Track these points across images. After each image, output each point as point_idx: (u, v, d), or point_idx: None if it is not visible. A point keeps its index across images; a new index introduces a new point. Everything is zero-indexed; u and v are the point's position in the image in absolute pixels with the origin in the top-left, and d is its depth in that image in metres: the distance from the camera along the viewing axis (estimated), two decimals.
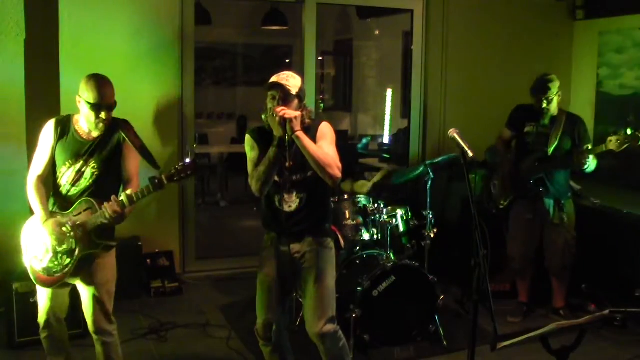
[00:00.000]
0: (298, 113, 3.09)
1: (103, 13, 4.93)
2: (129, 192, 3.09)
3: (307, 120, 3.19)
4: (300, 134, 3.06)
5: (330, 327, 3.20)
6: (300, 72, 5.79)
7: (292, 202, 3.24)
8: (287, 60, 11.05)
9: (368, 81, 10.50)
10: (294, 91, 3.14)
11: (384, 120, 9.34)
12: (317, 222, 3.30)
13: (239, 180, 9.32)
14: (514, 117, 4.72)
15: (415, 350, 4.14)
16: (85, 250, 3.12)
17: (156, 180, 3.03)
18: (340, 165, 3.13)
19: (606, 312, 2.58)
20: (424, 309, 4.17)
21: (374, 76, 10.30)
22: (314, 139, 3.15)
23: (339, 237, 3.73)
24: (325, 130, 3.23)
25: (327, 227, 3.36)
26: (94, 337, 3.26)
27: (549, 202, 4.50)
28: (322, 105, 10.67)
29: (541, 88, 4.43)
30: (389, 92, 9.27)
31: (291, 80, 3.17)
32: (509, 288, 5.00)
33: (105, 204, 3.04)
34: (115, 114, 3.23)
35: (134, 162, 3.24)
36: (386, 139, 9.09)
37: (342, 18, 10.18)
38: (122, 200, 3.05)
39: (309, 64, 5.71)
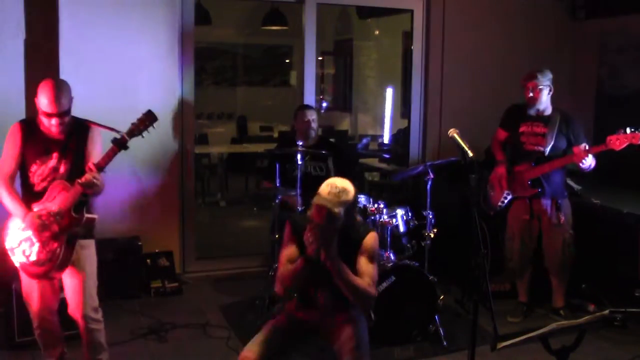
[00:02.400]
0: (334, 244, 2.93)
1: (103, 13, 4.92)
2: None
3: (355, 234, 3.06)
4: (338, 262, 2.92)
5: None
6: (300, 72, 5.80)
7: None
8: (287, 60, 11.05)
9: (368, 81, 10.50)
10: (341, 210, 2.92)
11: (384, 120, 9.34)
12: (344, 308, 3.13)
13: (239, 180, 9.32)
14: (508, 116, 4.71)
15: (415, 350, 4.13)
16: (69, 228, 3.19)
17: (119, 140, 3.15)
18: (373, 290, 3.00)
19: (606, 312, 2.58)
20: (424, 309, 4.17)
21: (374, 76, 10.30)
22: (356, 247, 3.03)
23: (371, 313, 3.56)
24: (372, 243, 3.05)
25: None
26: (82, 325, 3.34)
27: (546, 202, 4.49)
28: (323, 105, 10.69)
29: (528, 76, 4.44)
30: (389, 92, 9.27)
31: (342, 197, 2.94)
32: (509, 288, 5.00)
33: (84, 175, 3.14)
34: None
35: (96, 157, 3.33)
36: (386, 139, 9.09)
37: (342, 18, 10.19)
38: (92, 167, 3.14)
39: (309, 64, 5.71)
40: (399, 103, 8.96)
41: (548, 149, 4.42)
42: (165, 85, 5.20)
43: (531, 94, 4.43)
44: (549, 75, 4.45)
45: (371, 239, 3.06)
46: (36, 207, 3.23)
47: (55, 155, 3.27)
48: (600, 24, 6.12)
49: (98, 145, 3.37)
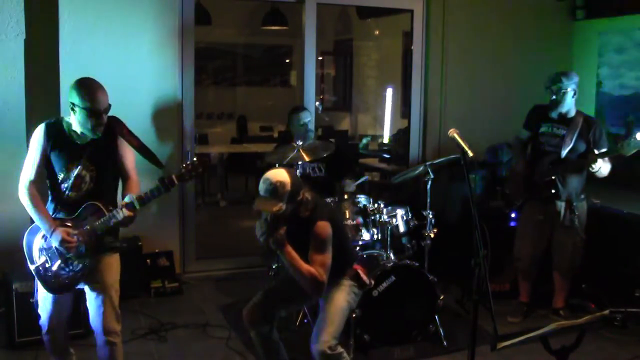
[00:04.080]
0: (283, 229, 3.11)
1: (103, 13, 4.92)
2: (136, 194, 3.08)
3: (306, 213, 3.18)
4: (285, 250, 3.10)
5: (325, 348, 3.16)
6: (301, 72, 5.80)
7: None
8: (287, 60, 11.05)
9: (368, 81, 10.51)
10: (282, 204, 3.09)
11: (384, 120, 9.34)
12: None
13: (239, 180, 9.32)
14: (530, 116, 4.70)
15: (415, 350, 4.13)
16: (95, 253, 3.13)
17: (166, 181, 3.03)
18: (322, 279, 3.11)
19: (606, 312, 2.58)
20: (424, 309, 4.17)
21: (374, 76, 10.30)
22: (307, 234, 3.15)
23: (361, 275, 3.47)
24: (320, 232, 3.16)
25: (340, 274, 3.33)
26: (102, 338, 3.20)
27: (560, 204, 4.48)
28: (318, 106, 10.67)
29: (553, 78, 4.43)
30: (389, 92, 9.27)
31: (279, 190, 3.09)
32: (509, 288, 5.01)
33: (118, 209, 3.05)
34: (117, 114, 3.23)
35: (130, 158, 3.24)
36: (386, 139, 9.10)
37: (342, 18, 10.19)
38: (132, 202, 3.05)
39: (309, 64, 5.71)
40: (399, 103, 8.96)
41: (565, 152, 4.40)
42: (165, 85, 5.20)
43: (555, 97, 4.42)
44: (575, 79, 4.43)
45: (319, 229, 3.16)
46: (66, 223, 3.12)
47: (81, 162, 3.12)
48: (600, 24, 6.12)
49: (130, 150, 3.22)
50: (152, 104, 5.18)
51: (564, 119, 4.47)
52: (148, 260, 5.16)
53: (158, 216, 5.30)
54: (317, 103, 5.59)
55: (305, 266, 3.12)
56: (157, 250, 5.24)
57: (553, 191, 4.44)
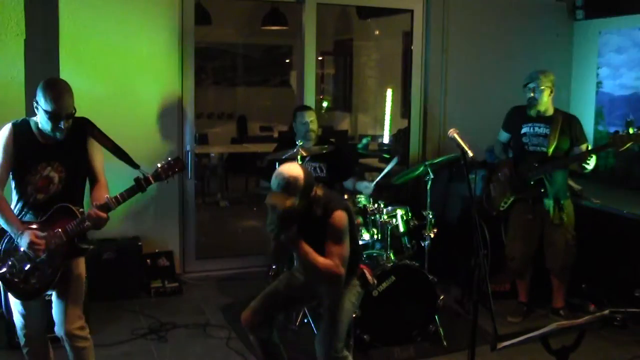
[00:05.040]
0: (294, 230, 3.06)
1: (103, 13, 4.92)
2: (106, 196, 3.00)
3: (318, 210, 3.11)
4: (299, 245, 3.04)
5: (332, 353, 3.15)
6: (301, 72, 5.79)
7: None
8: (287, 60, 11.05)
9: (368, 81, 10.50)
10: (295, 199, 3.03)
11: (384, 120, 9.34)
12: None
13: (239, 180, 9.32)
14: (510, 118, 4.73)
15: (415, 350, 4.13)
16: (67, 258, 3.04)
17: (142, 180, 2.97)
18: (340, 271, 3.05)
19: (606, 312, 2.58)
20: (424, 309, 4.17)
21: (374, 76, 10.29)
22: (321, 230, 3.09)
23: (366, 274, 3.39)
24: (336, 222, 3.08)
25: (351, 272, 3.27)
26: (67, 341, 3.12)
27: (549, 203, 4.49)
28: (324, 105, 10.68)
29: (530, 77, 4.47)
30: (389, 92, 9.27)
31: (292, 185, 3.03)
32: (509, 288, 5.01)
33: (90, 210, 2.96)
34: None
35: (100, 160, 3.16)
36: (386, 139, 9.09)
37: (342, 18, 10.18)
38: (106, 203, 2.97)
39: (309, 64, 5.71)
40: (399, 103, 8.96)
41: (551, 150, 4.42)
42: (165, 85, 5.20)
43: (532, 95, 4.44)
44: (551, 77, 4.46)
45: (335, 219, 3.09)
46: (33, 226, 3.00)
47: (49, 163, 3.02)
48: (600, 24, 6.12)
49: (100, 152, 3.14)
50: (152, 104, 5.18)
51: (543, 118, 4.49)
52: (148, 260, 5.16)
53: (158, 216, 5.31)
54: (324, 103, 5.58)
55: (321, 259, 3.04)
56: (157, 250, 5.25)
57: (542, 190, 4.45)
